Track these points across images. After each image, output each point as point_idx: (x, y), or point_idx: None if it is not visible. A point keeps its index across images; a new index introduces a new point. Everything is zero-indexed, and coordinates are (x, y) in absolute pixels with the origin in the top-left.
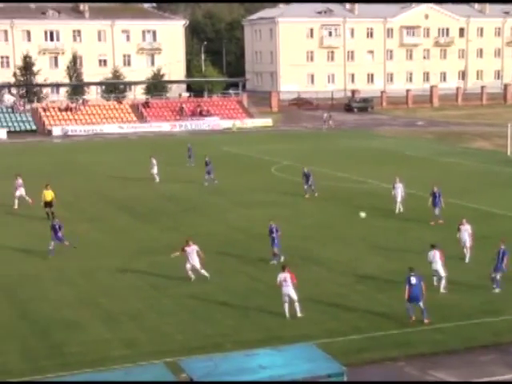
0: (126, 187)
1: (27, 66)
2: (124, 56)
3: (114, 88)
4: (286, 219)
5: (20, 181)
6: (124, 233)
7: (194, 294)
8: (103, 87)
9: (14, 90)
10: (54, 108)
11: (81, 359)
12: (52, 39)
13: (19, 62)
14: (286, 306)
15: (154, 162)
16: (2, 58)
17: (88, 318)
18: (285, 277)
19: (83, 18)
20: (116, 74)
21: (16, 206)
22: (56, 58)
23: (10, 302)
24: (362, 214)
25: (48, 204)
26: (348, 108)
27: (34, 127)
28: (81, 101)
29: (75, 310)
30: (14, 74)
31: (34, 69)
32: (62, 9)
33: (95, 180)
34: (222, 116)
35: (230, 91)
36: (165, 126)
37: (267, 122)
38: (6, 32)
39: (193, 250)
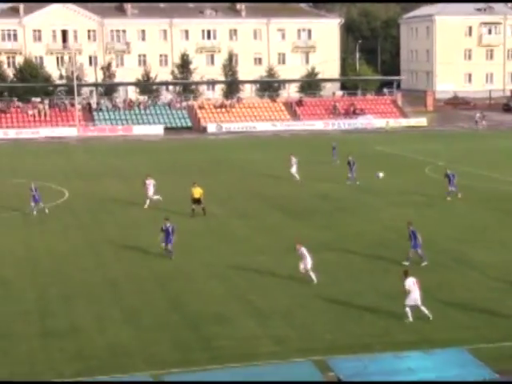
0: (278, 185)
1: (184, 64)
2: (279, 54)
3: (269, 86)
4: (438, 220)
5: (150, 181)
6: (275, 230)
7: (344, 293)
8: (258, 85)
9: (171, 88)
10: (209, 105)
11: (230, 353)
12: (209, 38)
13: (177, 60)
14: (410, 309)
15: (294, 160)
16: (161, 56)
17: (238, 313)
18: (413, 281)
19: (240, 17)
20: (271, 72)
21: (146, 206)
22: (212, 56)
23: (163, 294)
24: (381, 174)
25: (196, 201)
26: (507, 108)
27: (189, 124)
28: (235, 98)
29: (226, 304)
30: (172, 72)
31: (191, 67)
32: (219, 8)
33: (248, 177)
34: (375, 115)
35: (384, 90)
36: (318, 125)
37: (421, 121)
38: (165, 31)
39: (302, 251)
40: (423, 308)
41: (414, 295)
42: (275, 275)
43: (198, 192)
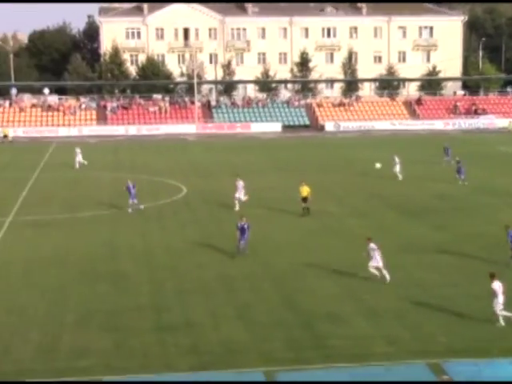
0: (394, 184)
1: (304, 62)
2: (399, 52)
3: (388, 85)
4: None
5: (240, 182)
6: (391, 229)
7: (460, 295)
8: (377, 84)
9: (290, 86)
10: (327, 103)
11: (343, 353)
12: (329, 36)
13: (296, 59)
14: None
15: (397, 160)
16: (281, 54)
17: (351, 312)
18: (499, 285)
19: (360, 15)
20: (390, 71)
21: (237, 208)
22: (332, 54)
23: (277, 292)
24: (378, 165)
25: (304, 200)
26: None
27: (307, 122)
28: (354, 97)
29: (339, 304)
30: (291, 70)
31: (310, 65)
32: (340, 6)
33: (365, 176)
34: (497, 115)
35: (508, 89)
36: (437, 124)
37: None
38: (285, 29)
39: (372, 248)
40: (505, 312)
41: (499, 299)
42: (390, 274)
43: (305, 191)
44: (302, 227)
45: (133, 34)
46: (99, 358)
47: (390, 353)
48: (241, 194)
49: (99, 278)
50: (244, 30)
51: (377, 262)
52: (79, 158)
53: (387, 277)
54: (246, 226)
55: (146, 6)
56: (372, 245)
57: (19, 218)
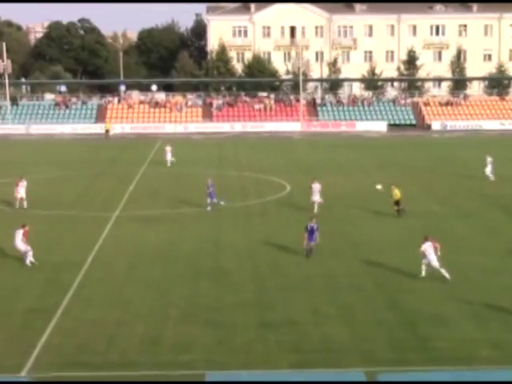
0: (500, 184)
1: (411, 60)
2: (510, 51)
3: (498, 83)
4: None
5: (317, 185)
6: (497, 231)
7: None
8: (486, 82)
9: (396, 84)
10: (434, 102)
11: (446, 355)
12: (437, 33)
13: (403, 57)
14: None
15: (489, 160)
16: (387, 52)
17: (456, 314)
18: None
19: (470, 12)
20: (501, 69)
21: (315, 210)
22: (440, 53)
23: (379, 291)
24: (378, 187)
25: (396, 203)
26: None
27: (413, 121)
28: (462, 96)
29: (444, 305)
30: (398, 68)
31: (418, 63)
32: (450, 3)
33: (471, 176)
34: None
35: None
36: None
37: None
38: (392, 27)
39: (427, 246)
40: None
41: None
42: (497, 277)
43: (396, 194)
44: (406, 226)
45: (239, 32)
46: (202, 353)
47: (495, 357)
48: (316, 197)
49: (203, 274)
50: (351, 27)
51: (431, 260)
52: (169, 156)
53: (445, 274)
54: (315, 228)
55: (252, 4)
56: (428, 243)
57: (125, 213)
